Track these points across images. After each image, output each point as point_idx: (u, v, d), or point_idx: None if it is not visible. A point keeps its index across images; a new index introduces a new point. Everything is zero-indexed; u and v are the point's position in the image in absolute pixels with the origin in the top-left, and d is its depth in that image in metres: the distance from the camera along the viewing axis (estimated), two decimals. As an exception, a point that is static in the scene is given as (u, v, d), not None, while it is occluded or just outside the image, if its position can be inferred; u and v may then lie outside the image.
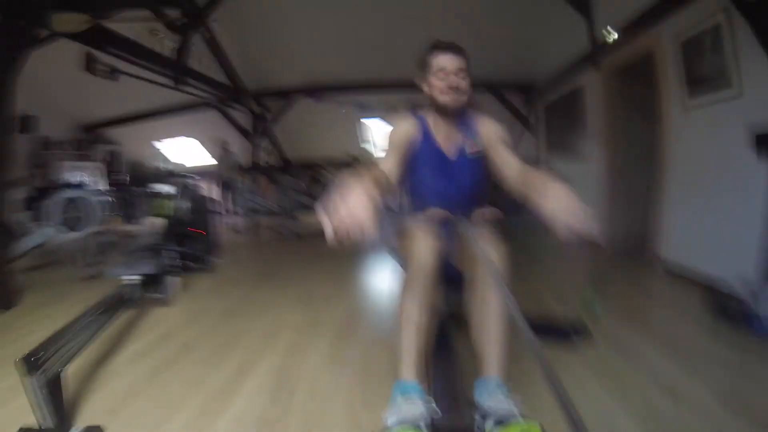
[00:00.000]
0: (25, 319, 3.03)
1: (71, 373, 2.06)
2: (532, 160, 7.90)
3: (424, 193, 1.97)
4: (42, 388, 1.53)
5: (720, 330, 2.56)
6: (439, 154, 1.88)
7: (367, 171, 1.44)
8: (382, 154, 1.82)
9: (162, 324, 2.91)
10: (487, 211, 2.02)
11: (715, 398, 1.79)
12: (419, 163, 1.90)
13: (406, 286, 1.59)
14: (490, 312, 1.51)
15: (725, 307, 2.66)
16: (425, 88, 1.84)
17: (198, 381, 2.10)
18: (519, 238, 5.98)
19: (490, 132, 1.85)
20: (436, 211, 1.92)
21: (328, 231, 1.10)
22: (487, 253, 1.51)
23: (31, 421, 1.57)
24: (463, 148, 1.88)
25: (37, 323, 2.90)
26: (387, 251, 2.20)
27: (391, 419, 1.29)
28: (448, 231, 1.87)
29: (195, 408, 1.86)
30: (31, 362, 1.53)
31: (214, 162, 9.51)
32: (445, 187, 1.91)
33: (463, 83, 1.76)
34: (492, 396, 1.35)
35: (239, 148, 9.06)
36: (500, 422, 1.26)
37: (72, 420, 1.76)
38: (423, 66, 1.81)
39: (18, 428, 1.57)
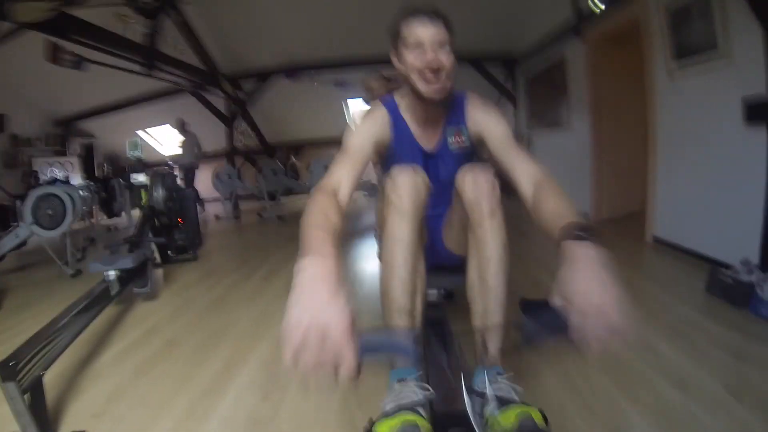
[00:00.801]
0: (8, 322, 2.97)
1: (54, 376, 2.01)
2: (520, 124, 7.86)
3: None
4: (22, 394, 1.48)
5: (717, 307, 2.52)
6: (415, 148, 1.59)
7: (318, 223, 1.05)
8: (337, 159, 1.42)
9: (146, 320, 2.86)
10: None
11: (724, 387, 1.73)
12: (395, 158, 1.58)
13: (387, 269, 1.39)
14: (490, 295, 1.41)
15: (722, 283, 2.62)
16: (399, 65, 1.48)
17: (185, 379, 2.05)
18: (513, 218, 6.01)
19: (486, 125, 1.52)
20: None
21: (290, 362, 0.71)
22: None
23: (15, 428, 1.52)
24: (446, 139, 1.59)
25: (19, 325, 2.84)
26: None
27: (388, 406, 1.22)
28: (437, 208, 1.66)
29: (182, 408, 1.81)
30: (9, 368, 1.47)
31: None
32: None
33: (447, 61, 1.38)
34: (491, 382, 1.29)
35: (215, 131, 8.89)
36: (499, 406, 1.21)
37: (56, 426, 1.71)
38: (395, 37, 1.46)
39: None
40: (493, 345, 1.39)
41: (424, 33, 1.36)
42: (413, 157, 1.56)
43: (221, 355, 2.27)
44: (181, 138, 8.07)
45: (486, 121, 1.52)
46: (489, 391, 1.27)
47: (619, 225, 4.86)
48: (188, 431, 1.68)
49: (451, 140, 1.58)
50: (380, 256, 1.47)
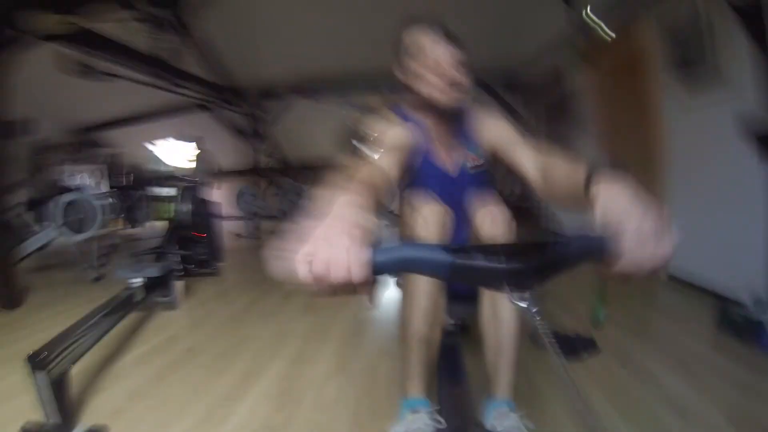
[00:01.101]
0: (30, 318, 3.05)
1: (77, 372, 2.06)
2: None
3: None
4: (49, 385, 1.53)
5: (727, 343, 2.50)
6: (439, 171, 1.53)
7: (357, 170, 1.03)
8: (374, 154, 1.33)
9: (167, 328, 2.91)
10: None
11: (726, 419, 1.74)
12: (420, 178, 1.53)
13: (408, 298, 1.39)
14: (503, 329, 1.38)
15: (732, 319, 2.61)
16: (408, 80, 1.44)
17: (203, 386, 2.09)
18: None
19: (494, 135, 1.48)
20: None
21: (302, 277, 0.62)
22: None
23: (34, 418, 1.56)
24: (464, 162, 1.54)
25: (41, 323, 2.91)
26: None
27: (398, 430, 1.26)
28: (457, 236, 1.56)
29: (199, 413, 1.85)
30: (39, 359, 1.53)
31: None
32: (450, 203, 1.46)
33: (465, 79, 1.37)
34: (501, 417, 1.31)
35: (237, 149, 9.00)
36: None
37: (76, 419, 1.74)
38: (406, 52, 1.41)
39: (22, 424, 1.56)
40: (505, 379, 1.39)
41: (444, 54, 1.34)
42: (438, 178, 1.52)
43: (239, 366, 2.31)
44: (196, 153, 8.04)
45: (496, 133, 1.48)
46: (498, 427, 1.28)
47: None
48: (207, 429, 1.71)
49: (469, 164, 1.54)
50: (400, 284, 1.47)
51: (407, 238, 1.42)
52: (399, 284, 1.48)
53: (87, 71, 5.78)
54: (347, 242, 0.62)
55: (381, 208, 0.93)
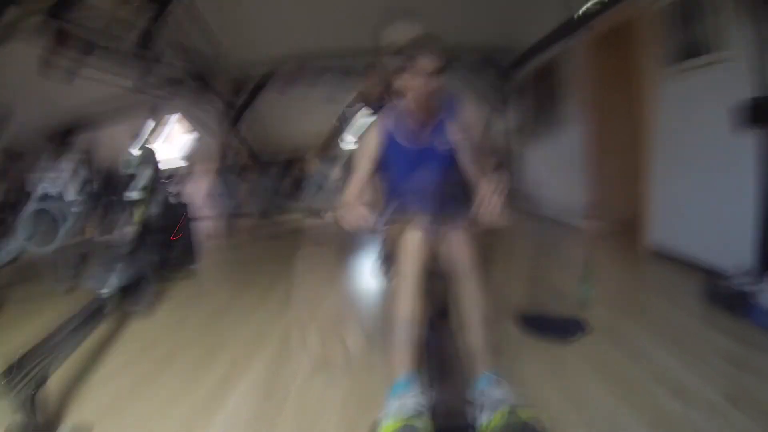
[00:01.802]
0: (2, 336, 2.96)
1: (49, 391, 2.01)
2: (508, 135, 7.90)
3: (399, 190, 1.99)
4: (19, 409, 1.48)
5: (716, 316, 2.53)
6: (405, 150, 1.93)
7: (353, 183, 1.90)
8: (357, 163, 1.96)
9: (141, 336, 2.87)
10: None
11: (722, 395, 1.76)
12: (390, 161, 1.97)
13: (397, 281, 1.63)
14: (466, 309, 1.60)
15: (720, 292, 2.64)
16: (399, 86, 1.83)
17: (182, 393, 2.07)
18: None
19: (461, 138, 1.88)
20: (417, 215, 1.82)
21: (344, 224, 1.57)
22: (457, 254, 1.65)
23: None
24: (433, 141, 1.91)
25: (13, 342, 2.82)
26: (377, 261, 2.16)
27: (389, 411, 1.33)
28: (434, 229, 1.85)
29: (181, 421, 1.83)
30: (6, 383, 1.48)
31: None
32: (418, 181, 1.91)
33: (442, 84, 1.75)
34: (490, 390, 1.39)
35: (206, 146, 8.85)
36: (494, 409, 1.31)
37: (55, 428, 1.71)
38: (386, 48, 1.85)
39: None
40: (485, 354, 1.52)
41: (429, 64, 1.69)
42: (406, 156, 1.92)
43: (218, 371, 2.29)
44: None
45: (462, 135, 1.89)
46: (489, 397, 1.37)
47: (615, 232, 4.86)
48: (193, 428, 1.69)
49: (437, 142, 1.89)
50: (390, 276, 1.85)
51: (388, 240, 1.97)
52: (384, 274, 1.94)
53: (70, 72, 5.62)
54: (360, 211, 1.58)
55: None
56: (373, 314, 2.99)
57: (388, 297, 1.69)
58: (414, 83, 1.73)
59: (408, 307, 1.58)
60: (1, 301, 3.84)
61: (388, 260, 1.93)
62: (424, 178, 1.89)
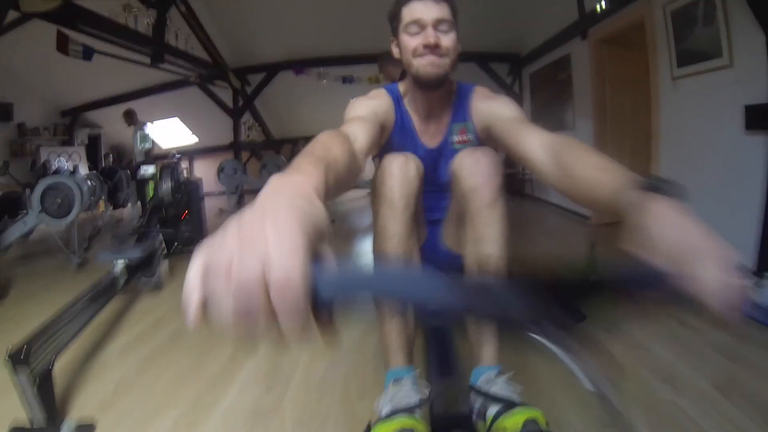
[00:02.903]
0: (15, 309, 3.00)
1: (62, 365, 2.04)
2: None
3: None
4: (32, 382, 1.50)
5: (715, 315, 2.52)
6: (416, 143, 1.45)
7: (315, 143, 0.78)
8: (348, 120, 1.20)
9: (152, 311, 2.88)
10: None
11: (713, 385, 1.77)
12: (393, 149, 1.40)
13: (380, 215, 1.26)
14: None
15: None
16: (396, 52, 1.37)
17: (191, 371, 2.08)
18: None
19: (490, 112, 1.35)
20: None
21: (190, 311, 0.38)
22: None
23: (21, 415, 1.53)
24: (449, 137, 1.45)
25: (26, 313, 2.87)
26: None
27: (384, 409, 1.21)
28: (437, 212, 1.53)
29: (187, 400, 1.84)
30: (19, 357, 1.49)
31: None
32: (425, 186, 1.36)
33: (446, 39, 1.26)
34: (491, 383, 1.28)
35: (222, 125, 8.84)
36: (503, 411, 1.18)
37: (63, 414, 1.72)
38: (395, 22, 1.33)
39: (10, 427, 1.53)
40: (490, 346, 1.37)
41: (422, 10, 1.24)
42: (413, 151, 1.38)
43: (225, 349, 2.29)
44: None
45: (491, 108, 1.35)
46: (489, 392, 1.25)
47: (620, 229, 4.78)
48: (194, 419, 1.71)
49: (455, 138, 1.44)
50: (373, 251, 1.35)
51: (375, 202, 1.32)
52: (373, 251, 1.34)
53: (86, 52, 5.61)
54: (277, 248, 0.36)
55: (342, 190, 0.75)
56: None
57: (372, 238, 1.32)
58: (410, 41, 1.28)
59: (398, 248, 1.24)
60: (14, 274, 3.88)
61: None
62: (434, 181, 1.43)
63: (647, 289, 0.57)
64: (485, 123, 1.35)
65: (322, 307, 0.38)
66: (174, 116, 9.52)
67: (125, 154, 8.71)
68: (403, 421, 1.12)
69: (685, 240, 0.56)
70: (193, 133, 9.96)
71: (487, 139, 1.39)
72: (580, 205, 0.86)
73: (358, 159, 0.94)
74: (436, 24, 1.24)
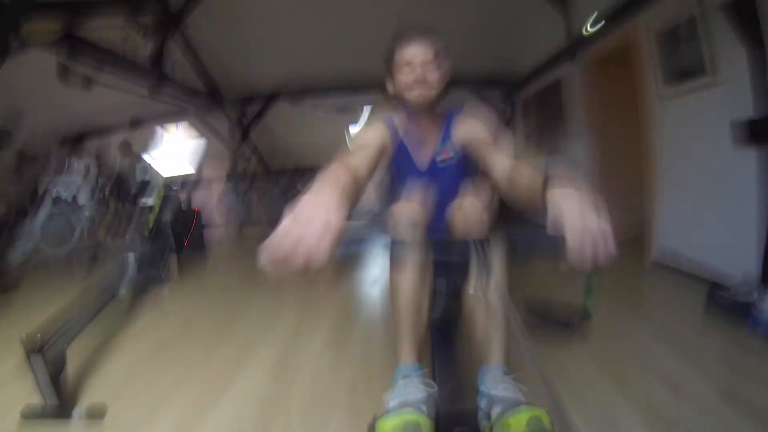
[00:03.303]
0: (26, 300, 3.13)
1: (74, 352, 2.04)
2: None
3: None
4: (45, 367, 1.51)
5: (716, 325, 2.58)
6: (411, 166, 1.68)
7: (327, 170, 1.06)
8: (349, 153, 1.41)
9: (161, 304, 2.90)
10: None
11: (717, 396, 1.79)
12: (394, 176, 1.73)
13: (395, 265, 1.47)
14: (491, 303, 1.44)
15: (720, 302, 2.69)
16: (391, 89, 1.63)
17: (199, 360, 2.10)
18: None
19: (469, 131, 1.60)
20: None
21: (264, 257, 0.74)
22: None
23: (34, 401, 1.54)
24: (435, 157, 1.67)
25: (37, 304, 2.91)
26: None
27: (392, 402, 1.24)
28: (436, 226, 1.62)
29: (196, 388, 1.86)
30: (33, 344, 1.51)
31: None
32: (421, 201, 1.56)
33: (432, 76, 1.53)
34: (497, 383, 1.31)
35: (218, 155, 8.90)
36: (507, 409, 1.21)
37: (75, 399, 1.73)
38: (389, 62, 1.59)
39: (23, 412, 1.54)
40: (498, 347, 1.41)
41: (412, 55, 1.51)
42: (410, 173, 1.67)
43: (234, 339, 2.36)
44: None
45: (470, 128, 1.60)
46: (494, 392, 1.28)
47: (620, 250, 4.80)
48: (203, 406, 1.73)
49: (439, 158, 1.66)
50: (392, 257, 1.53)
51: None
52: (391, 257, 1.53)
53: (86, 83, 5.70)
54: (320, 212, 0.78)
55: (350, 202, 0.97)
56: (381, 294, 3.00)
57: (389, 281, 1.50)
58: (403, 78, 1.55)
59: (410, 293, 1.42)
60: (24, 268, 3.87)
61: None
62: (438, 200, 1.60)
63: (548, 244, 0.86)
64: (464, 141, 1.61)
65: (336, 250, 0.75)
66: (173, 145, 9.57)
67: (124, 185, 8.61)
68: (407, 416, 1.15)
69: (569, 210, 0.84)
70: (191, 164, 10.02)
71: (466, 154, 1.62)
72: (523, 209, 1.09)
73: (359, 184, 1.18)
74: (424, 65, 1.51)
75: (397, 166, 1.70)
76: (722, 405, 1.71)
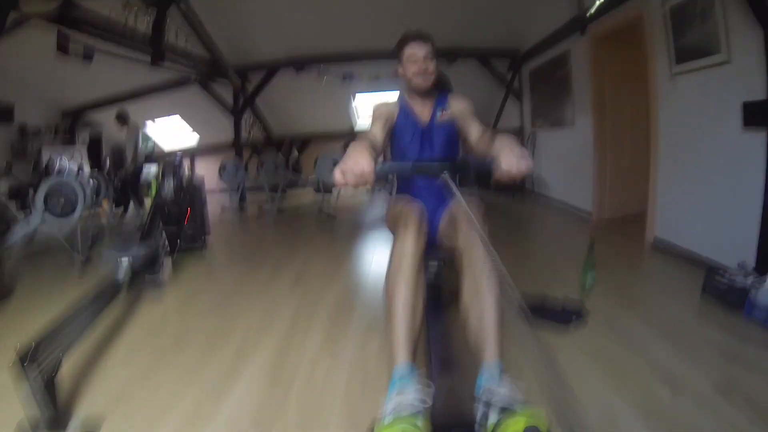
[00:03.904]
0: (21, 308, 3.03)
1: (68, 364, 2.06)
2: (515, 128, 7.94)
3: (404, 158, 2.17)
4: (39, 382, 1.51)
5: (712, 310, 2.56)
6: (414, 122, 2.15)
7: (362, 137, 1.73)
8: (368, 124, 2.05)
9: (157, 309, 2.92)
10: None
11: (713, 387, 1.78)
12: (398, 132, 2.16)
13: (392, 267, 1.58)
14: (485, 300, 1.50)
15: (717, 287, 2.66)
16: (401, 73, 2.12)
17: (195, 370, 2.11)
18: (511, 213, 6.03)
19: (459, 105, 2.17)
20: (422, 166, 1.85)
21: (338, 176, 1.33)
22: (473, 217, 1.54)
23: (29, 413, 1.55)
24: (434, 115, 2.16)
25: (32, 312, 2.88)
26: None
27: (389, 406, 1.26)
28: (436, 203, 2.05)
29: (193, 398, 1.87)
30: (27, 356, 1.51)
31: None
32: (420, 151, 2.15)
33: (431, 66, 2.03)
34: (493, 383, 1.31)
35: (222, 123, 8.83)
36: (504, 410, 1.22)
37: (70, 412, 1.75)
38: (397, 55, 2.09)
39: (17, 425, 1.55)
40: (492, 343, 1.43)
41: (415, 50, 2.01)
42: (413, 127, 2.14)
43: (229, 347, 2.32)
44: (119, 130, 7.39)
45: (460, 105, 2.16)
46: (491, 393, 1.28)
47: (620, 226, 4.87)
48: (199, 419, 1.74)
49: (438, 114, 2.15)
50: (389, 226, 1.99)
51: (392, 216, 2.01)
52: (389, 225, 2.01)
53: (87, 53, 5.62)
54: (361, 160, 1.35)
55: (372, 156, 1.43)
56: (376, 296, 3.02)
57: (386, 279, 1.59)
58: (409, 68, 2.04)
59: (406, 290, 1.52)
60: (20, 271, 3.91)
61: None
62: (428, 146, 2.16)
63: (488, 171, 1.41)
64: (457, 111, 2.15)
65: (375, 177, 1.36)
66: (175, 114, 9.53)
67: (121, 156, 8.55)
68: (404, 427, 1.16)
69: (503, 149, 1.41)
70: (194, 130, 9.96)
71: (456, 122, 2.15)
72: (480, 156, 1.71)
73: (376, 149, 1.72)
74: (424, 59, 2.01)
75: (402, 124, 2.15)
76: (721, 398, 1.70)
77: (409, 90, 2.15)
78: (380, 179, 2.17)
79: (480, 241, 1.54)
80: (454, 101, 2.19)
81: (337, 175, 1.34)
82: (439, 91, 2.20)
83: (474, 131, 1.99)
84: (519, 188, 7.64)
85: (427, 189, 2.11)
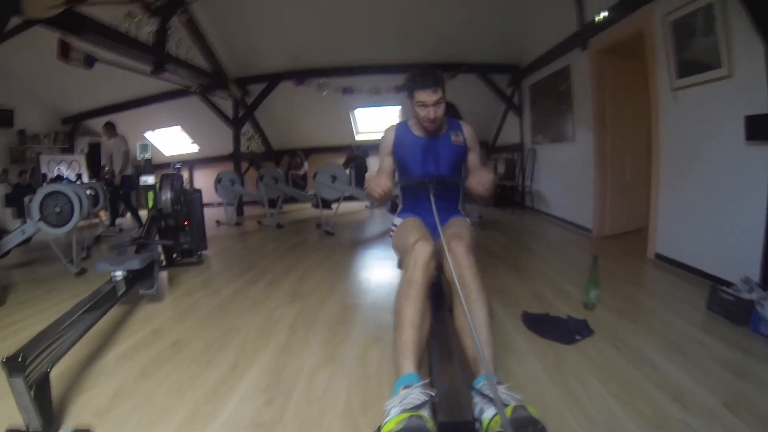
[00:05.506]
0: (14, 316, 2.97)
1: (59, 372, 2.03)
2: (515, 143, 7.98)
3: (408, 169, 2.33)
4: (28, 389, 1.48)
5: (717, 324, 2.54)
6: (417, 139, 2.29)
7: (379, 170, 2.34)
8: (377, 159, 2.40)
9: (151, 321, 2.86)
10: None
11: (721, 402, 1.75)
12: (402, 150, 2.31)
13: (402, 289, 1.73)
14: (476, 319, 1.64)
15: (722, 300, 2.65)
16: (410, 108, 2.21)
17: (189, 381, 2.05)
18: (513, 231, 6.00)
19: (471, 134, 2.34)
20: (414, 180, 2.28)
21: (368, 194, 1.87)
22: (454, 238, 1.89)
23: (19, 421, 1.51)
24: (448, 134, 2.30)
25: (25, 320, 2.84)
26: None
27: (393, 409, 1.33)
28: (443, 202, 2.21)
29: (186, 410, 1.81)
30: (17, 363, 1.47)
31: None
32: (423, 163, 2.28)
33: (439, 111, 2.13)
34: (491, 390, 1.35)
35: (222, 134, 8.85)
36: (498, 406, 1.24)
37: (60, 421, 1.71)
38: (407, 93, 2.18)
39: (5, 429, 1.52)
40: (487, 356, 1.53)
41: (426, 97, 2.09)
42: (418, 143, 2.28)
43: (225, 359, 2.27)
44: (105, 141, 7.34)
45: (471, 134, 2.35)
46: (487, 398, 1.39)
47: (622, 241, 4.85)
48: (195, 427, 1.68)
49: (453, 137, 2.29)
50: (400, 265, 2.08)
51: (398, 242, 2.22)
52: (400, 265, 2.11)
53: (88, 61, 5.62)
54: (381, 180, 2.02)
55: (390, 180, 2.06)
56: (381, 309, 2.98)
57: (396, 300, 1.71)
58: (419, 111, 2.15)
59: (414, 311, 1.64)
60: (13, 281, 3.87)
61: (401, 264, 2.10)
62: (432, 159, 2.29)
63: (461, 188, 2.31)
64: (468, 140, 2.33)
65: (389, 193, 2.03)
66: (176, 124, 9.54)
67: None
68: (411, 417, 1.25)
69: (477, 175, 2.08)
70: (194, 141, 9.96)
71: (466, 145, 2.36)
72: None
73: (390, 175, 2.33)
74: (435, 103, 2.10)
75: (404, 143, 2.31)
76: (723, 409, 1.69)
77: (418, 121, 2.25)
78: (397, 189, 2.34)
79: (468, 262, 1.80)
80: (466, 128, 2.36)
81: (369, 193, 1.98)
82: (448, 122, 2.33)
83: (474, 159, 2.33)
84: (518, 204, 7.65)
85: (429, 206, 2.09)
